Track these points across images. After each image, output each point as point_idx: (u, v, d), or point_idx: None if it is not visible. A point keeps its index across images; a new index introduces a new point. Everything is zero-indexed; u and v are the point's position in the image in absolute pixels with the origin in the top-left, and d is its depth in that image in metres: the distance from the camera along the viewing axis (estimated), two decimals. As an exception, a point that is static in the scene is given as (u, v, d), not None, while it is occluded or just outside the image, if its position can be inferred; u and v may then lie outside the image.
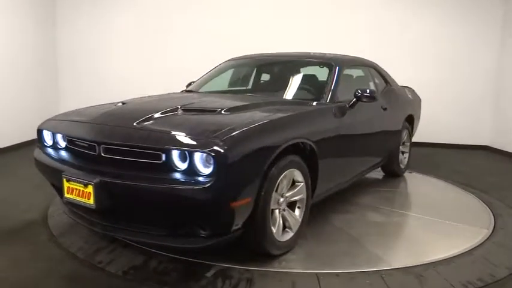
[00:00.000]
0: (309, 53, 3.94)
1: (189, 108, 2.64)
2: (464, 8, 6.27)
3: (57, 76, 6.76)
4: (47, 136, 2.77)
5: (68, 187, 2.33)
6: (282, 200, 2.52)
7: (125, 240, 2.67)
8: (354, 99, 3.18)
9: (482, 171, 5.13)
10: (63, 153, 2.63)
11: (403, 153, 4.60)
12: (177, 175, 2.10)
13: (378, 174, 4.62)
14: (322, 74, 3.45)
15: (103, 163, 2.31)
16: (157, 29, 6.59)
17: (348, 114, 3.14)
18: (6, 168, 4.77)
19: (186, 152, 2.09)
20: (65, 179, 2.34)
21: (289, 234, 2.59)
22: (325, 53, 3.86)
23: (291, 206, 2.65)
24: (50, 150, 2.72)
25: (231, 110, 2.61)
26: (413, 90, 5.02)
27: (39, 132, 2.81)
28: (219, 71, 4.01)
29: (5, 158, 5.19)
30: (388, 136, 4.09)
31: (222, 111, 2.55)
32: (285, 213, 2.57)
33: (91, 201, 2.22)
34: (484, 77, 6.37)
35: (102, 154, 2.31)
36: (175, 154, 2.12)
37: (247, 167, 2.15)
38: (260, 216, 2.28)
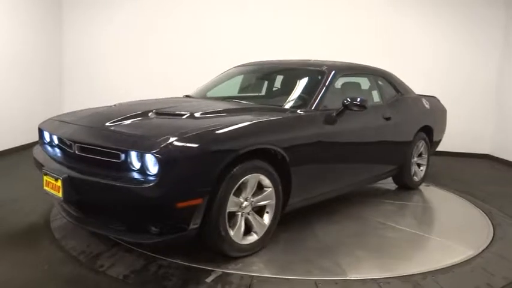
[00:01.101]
0: (309, 60, 3.94)
1: (161, 112, 2.79)
2: (466, 18, 6.32)
3: (61, 79, 6.81)
4: (46, 134, 2.98)
5: (46, 180, 2.58)
6: (246, 203, 2.56)
7: (117, 241, 2.72)
8: (342, 108, 3.13)
9: (483, 180, 5.15)
10: (56, 150, 2.84)
11: (419, 165, 4.43)
12: (132, 174, 2.25)
13: (391, 185, 4.47)
14: (315, 81, 3.40)
15: (77, 160, 2.54)
16: (164, 32, 6.64)
17: (334, 123, 3.10)
18: (8, 170, 4.80)
19: (139, 152, 2.23)
20: (43, 173, 2.60)
21: (254, 238, 2.63)
22: (324, 61, 3.83)
23: (261, 210, 2.69)
24: (47, 147, 2.93)
25: (199, 115, 2.71)
26: (436, 100, 4.85)
27: (40, 130, 3.05)
28: (222, 78, 4.07)
29: (7, 160, 5.23)
30: (394, 147, 3.95)
31: (189, 116, 2.67)
32: (250, 217, 2.61)
33: (60, 194, 2.44)
34: (485, 86, 6.40)
35: (77, 152, 2.54)
36: (133, 154, 2.26)
37: (196, 170, 2.23)
38: (214, 217, 2.35)
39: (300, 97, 3.31)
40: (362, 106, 3.10)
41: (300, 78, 3.59)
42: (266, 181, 2.64)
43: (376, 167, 3.86)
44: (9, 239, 2.90)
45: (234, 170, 2.41)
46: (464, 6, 6.31)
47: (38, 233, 2.99)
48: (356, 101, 3.08)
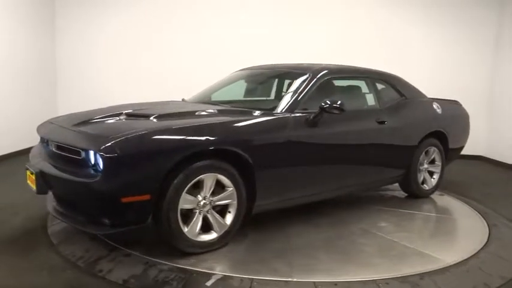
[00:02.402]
0: (302, 64, 3.90)
1: (131, 114, 2.97)
2: (457, 19, 6.43)
3: (56, 81, 6.76)
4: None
5: (28, 175, 2.81)
6: (204, 201, 2.63)
7: (119, 247, 2.72)
8: (319, 111, 3.07)
9: (478, 181, 5.20)
10: (45, 149, 2.99)
11: (432, 173, 4.23)
12: (88, 170, 2.45)
13: (400, 193, 4.29)
14: (297, 84, 3.36)
15: (54, 157, 2.78)
16: (160, 34, 6.62)
17: (312, 126, 3.09)
18: (5, 175, 4.77)
19: (91, 150, 2.45)
20: (26, 168, 2.84)
21: (212, 236, 2.70)
22: (318, 64, 3.77)
23: (224, 210, 2.76)
24: (44, 146, 3.06)
25: (166, 116, 2.86)
26: (456, 106, 4.68)
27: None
28: (219, 82, 4.11)
29: (4, 166, 5.20)
30: (391, 152, 3.78)
31: (154, 117, 2.80)
32: (209, 215, 2.68)
33: (34, 186, 2.68)
34: (478, 88, 6.48)
35: (53, 150, 2.78)
36: (89, 152, 2.46)
37: (141, 168, 2.38)
38: (165, 213, 2.47)
39: (279, 100, 3.29)
40: (340, 109, 3.04)
41: (286, 81, 3.62)
42: (226, 181, 2.69)
43: (368, 172, 3.71)
44: (7, 244, 2.88)
45: (187, 168, 2.50)
46: (455, 7, 6.43)
47: (35, 239, 2.98)
48: (334, 103, 3.02)
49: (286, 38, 6.48)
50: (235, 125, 2.83)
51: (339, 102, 3.03)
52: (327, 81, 3.46)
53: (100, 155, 2.33)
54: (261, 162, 2.80)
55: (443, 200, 4.28)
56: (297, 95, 3.21)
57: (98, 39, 6.72)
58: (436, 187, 4.33)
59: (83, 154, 2.48)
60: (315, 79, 3.33)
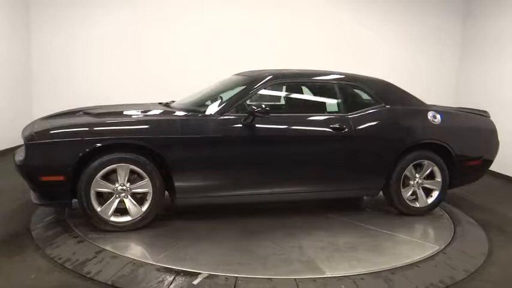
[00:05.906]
0: (264, 70, 3.94)
1: (86, 112, 3.57)
2: (424, 26, 6.87)
3: (31, 85, 6.63)
4: None
5: None
6: (121, 188, 3.07)
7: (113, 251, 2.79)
8: (247, 114, 3.23)
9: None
10: None
11: (429, 190, 3.81)
12: None
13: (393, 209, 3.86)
14: (241, 89, 3.55)
15: None
16: (135, 37, 6.61)
17: (242, 128, 3.24)
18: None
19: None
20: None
21: (126, 219, 3.12)
22: (281, 69, 3.81)
23: (144, 197, 3.15)
24: None
25: (105, 114, 3.49)
26: (477, 116, 4.15)
27: None
28: (202, 89, 4.18)
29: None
30: (355, 162, 3.58)
31: (95, 115, 3.40)
32: (126, 200, 3.10)
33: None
34: (444, 94, 6.87)
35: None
36: None
37: (56, 153, 2.95)
38: (79, 193, 3.00)
39: (220, 103, 3.44)
40: (264, 112, 3.20)
41: (240, 86, 3.68)
42: (141, 172, 3.07)
43: (320, 179, 3.58)
44: (-9, 248, 2.90)
45: (99, 158, 2.98)
46: (422, 15, 6.85)
47: (20, 242, 3.00)
48: (266, 107, 3.21)
49: (282, 42, 6.66)
50: (151, 122, 3.26)
51: (267, 107, 3.22)
52: (277, 87, 3.70)
53: (24, 142, 2.99)
54: (177, 157, 3.13)
55: (435, 221, 3.77)
56: (230, 99, 3.44)
57: (73, 41, 6.60)
58: (434, 205, 3.85)
59: None
60: (257, 84, 3.47)
